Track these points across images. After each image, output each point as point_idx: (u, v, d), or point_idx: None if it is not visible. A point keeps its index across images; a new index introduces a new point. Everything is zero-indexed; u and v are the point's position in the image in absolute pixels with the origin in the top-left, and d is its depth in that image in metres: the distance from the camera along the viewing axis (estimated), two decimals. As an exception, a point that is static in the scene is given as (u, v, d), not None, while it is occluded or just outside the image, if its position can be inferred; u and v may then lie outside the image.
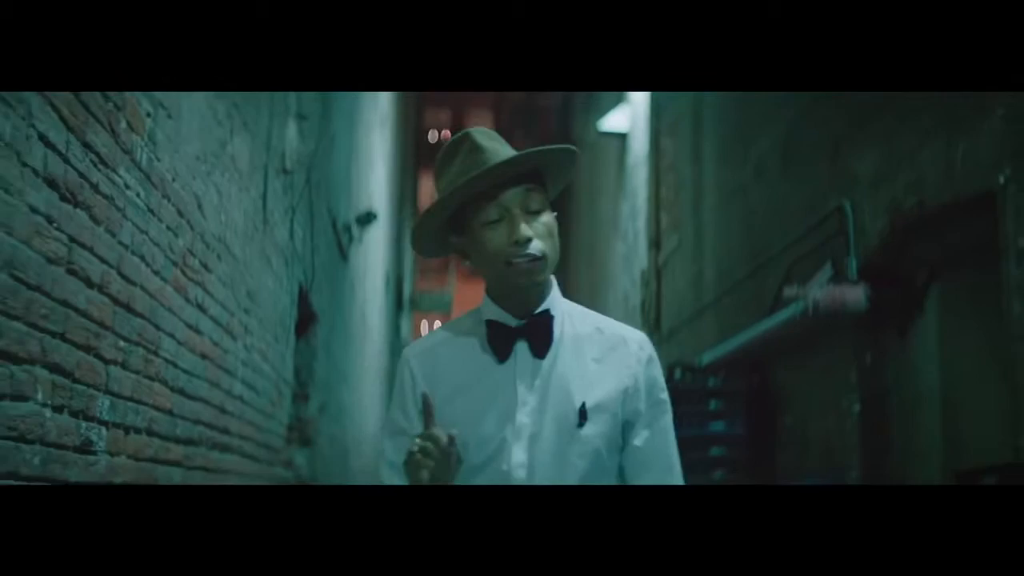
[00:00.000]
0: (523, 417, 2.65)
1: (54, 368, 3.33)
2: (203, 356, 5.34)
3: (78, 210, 3.48)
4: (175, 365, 4.82)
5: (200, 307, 5.25)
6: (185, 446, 5.02)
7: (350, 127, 12.84)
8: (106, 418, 3.85)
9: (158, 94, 4.33)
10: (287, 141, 7.46)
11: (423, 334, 32.81)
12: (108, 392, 3.86)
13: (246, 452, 6.57)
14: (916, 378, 7.45)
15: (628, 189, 19.07)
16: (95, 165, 3.61)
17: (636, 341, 2.84)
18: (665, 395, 2.83)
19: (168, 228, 4.63)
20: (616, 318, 2.87)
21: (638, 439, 2.78)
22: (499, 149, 2.73)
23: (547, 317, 2.76)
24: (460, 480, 2.65)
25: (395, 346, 25.18)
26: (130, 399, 4.14)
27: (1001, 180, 5.88)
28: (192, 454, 5.15)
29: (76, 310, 3.52)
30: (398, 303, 26.39)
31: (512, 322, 2.75)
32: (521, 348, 2.74)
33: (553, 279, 2.81)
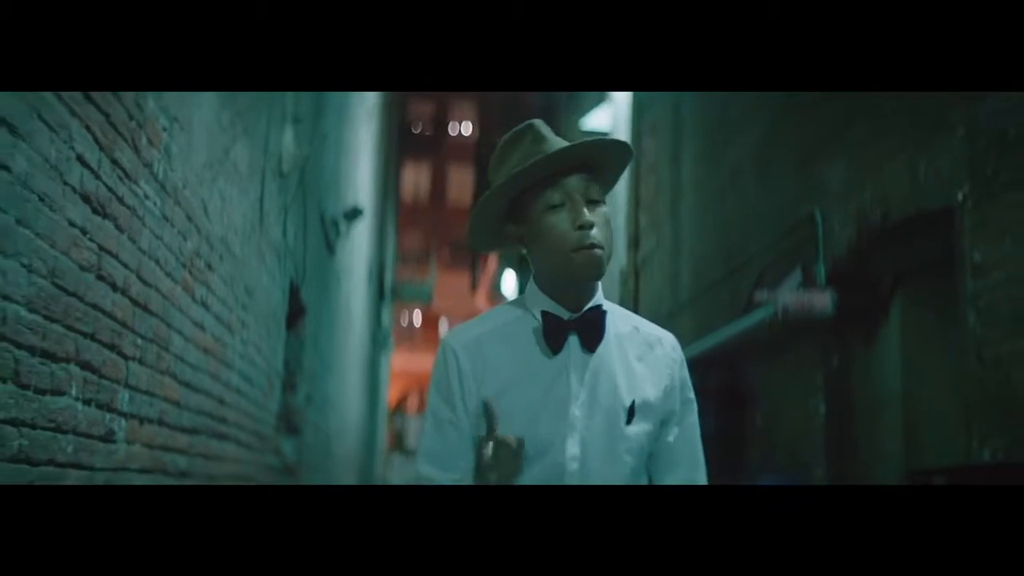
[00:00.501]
0: (576, 410, 2.68)
1: (85, 365, 3.67)
2: (206, 351, 5.67)
3: (106, 221, 3.82)
4: (182, 360, 5.15)
5: (204, 305, 5.58)
6: (190, 435, 5.36)
7: (339, 124, 13.09)
8: (125, 410, 4.19)
9: (172, 108, 4.66)
10: (284, 146, 7.78)
11: (404, 325, 32.85)
12: (127, 386, 4.20)
13: (241, 440, 6.90)
14: (879, 381, 7.75)
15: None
16: (121, 180, 3.94)
17: (670, 342, 2.88)
18: (692, 394, 2.89)
19: (179, 232, 4.96)
20: None
21: (670, 436, 2.84)
22: (560, 141, 2.74)
23: (599, 312, 2.77)
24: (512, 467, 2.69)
25: (376, 336, 25.21)
26: (145, 392, 4.48)
27: (960, 197, 6.18)
28: (195, 442, 5.48)
29: (103, 312, 3.86)
30: (380, 293, 26.44)
31: (565, 315, 2.75)
32: (573, 341, 2.75)
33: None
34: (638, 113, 17.13)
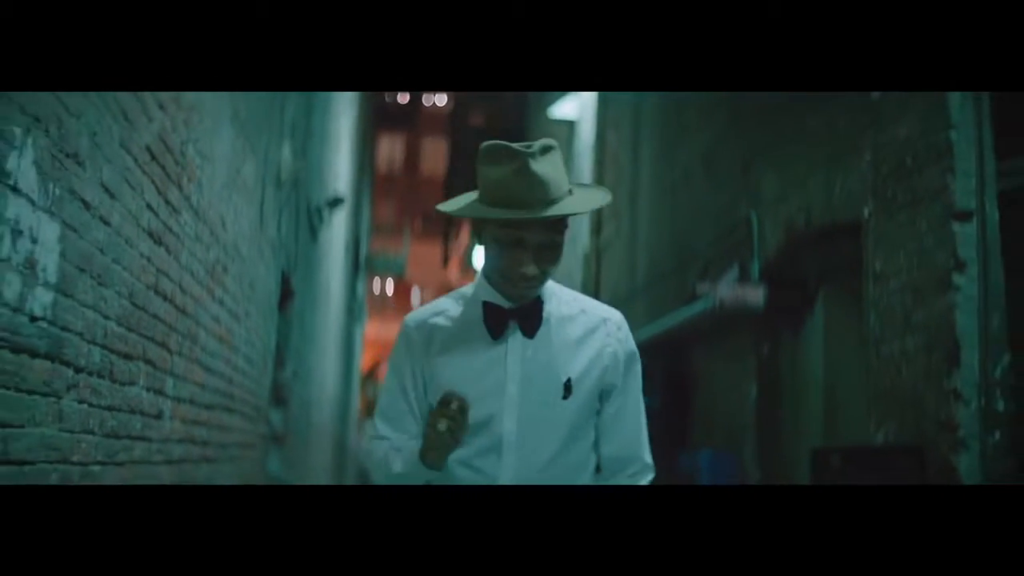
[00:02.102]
0: (512, 388, 2.89)
1: (147, 361, 4.73)
2: (220, 339, 6.69)
3: (160, 247, 4.86)
4: (205, 349, 6.18)
5: (220, 302, 6.60)
6: (209, 411, 6.39)
7: (324, 116, 13.80)
8: (171, 394, 5.24)
9: (203, 145, 5.66)
10: (282, 158, 8.74)
11: (376, 294, 32.27)
12: (172, 375, 5.25)
13: (244, 413, 7.92)
14: (804, 368, 8.59)
15: (575, 173, 19.56)
16: (171, 214, 4.99)
17: (615, 321, 3.06)
18: (638, 368, 3.10)
19: (205, 246, 5.97)
20: None
21: (612, 407, 3.04)
22: (545, 175, 2.81)
23: (538, 302, 2.97)
24: (434, 467, 2.88)
25: (352, 307, 25.56)
26: (183, 378, 5.53)
27: (866, 213, 7.04)
28: (212, 417, 6.52)
29: (158, 319, 4.91)
30: (355, 266, 26.52)
31: (506, 304, 2.95)
32: (513, 327, 2.94)
33: None
34: (603, 105, 17.63)
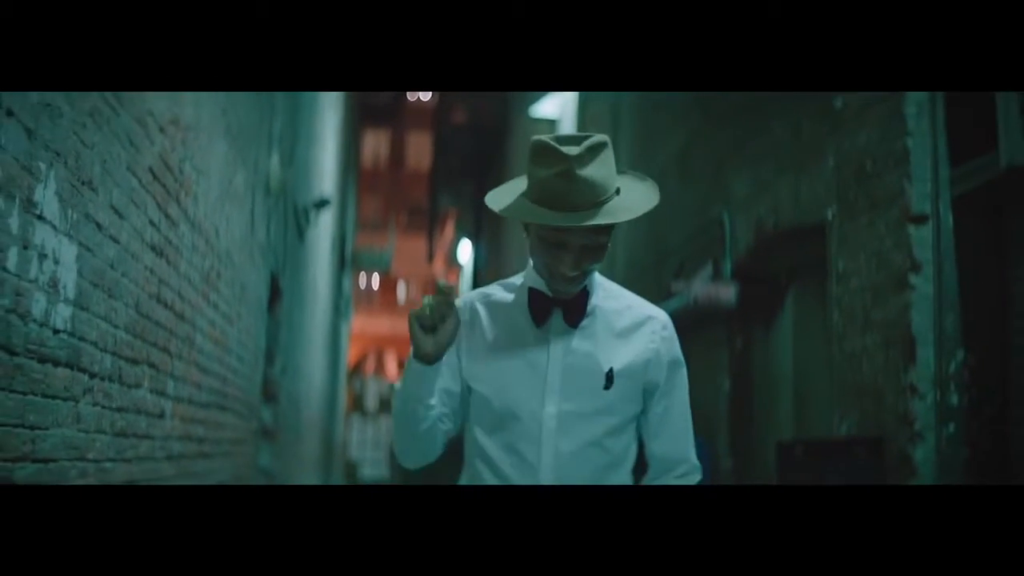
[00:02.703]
0: (554, 376, 2.92)
1: (151, 365, 5.10)
2: (215, 342, 7.05)
3: (162, 259, 5.22)
4: (201, 351, 6.54)
5: (215, 306, 6.96)
6: (205, 409, 6.76)
7: (310, 117, 14.11)
8: (171, 395, 5.61)
9: (198, 159, 6.01)
10: (271, 168, 9.10)
11: (362, 288, 31.95)
12: (172, 376, 5.61)
13: (237, 410, 8.29)
14: (775, 362, 8.89)
15: None
16: (170, 228, 5.35)
17: (660, 320, 3.08)
18: (683, 369, 3.11)
19: (201, 255, 6.34)
20: None
21: (659, 406, 3.04)
22: (594, 178, 2.81)
23: (584, 294, 2.97)
24: (497, 427, 2.96)
25: (338, 304, 25.71)
26: (182, 379, 5.89)
27: (829, 215, 7.37)
28: (208, 415, 6.88)
29: (160, 325, 5.27)
30: (341, 262, 26.57)
31: (551, 293, 2.98)
32: (557, 316, 2.97)
33: None
34: (583, 105, 17.85)
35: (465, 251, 36.04)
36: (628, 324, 3.03)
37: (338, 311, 25.99)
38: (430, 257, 40.30)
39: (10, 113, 3.06)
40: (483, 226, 33.07)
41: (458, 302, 3.01)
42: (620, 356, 2.99)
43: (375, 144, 52.17)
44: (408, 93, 51.05)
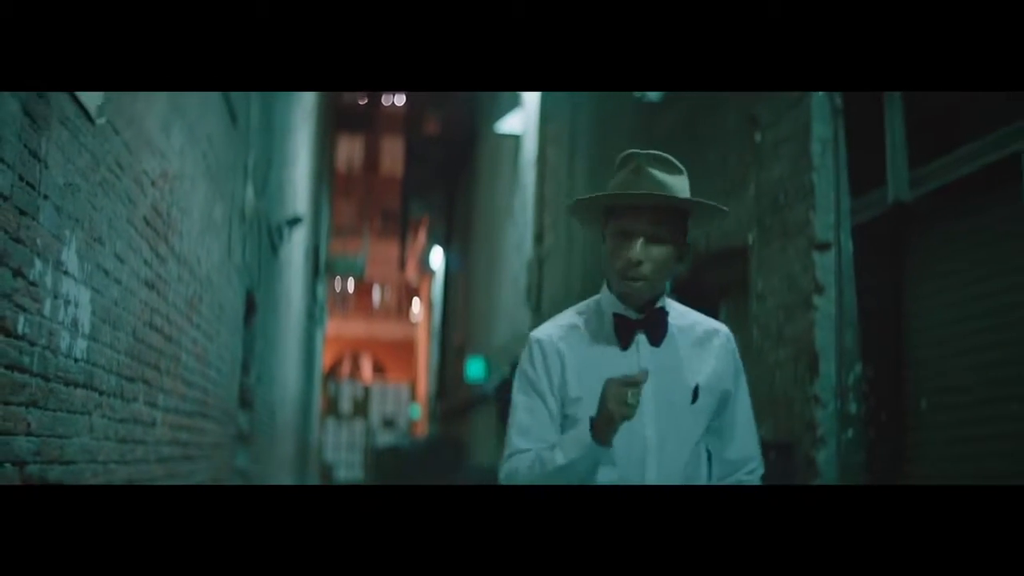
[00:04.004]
0: (648, 396, 2.93)
1: (145, 381, 5.99)
2: (197, 357, 7.93)
3: (153, 292, 6.12)
4: (185, 367, 7.41)
5: (197, 326, 7.83)
6: (189, 417, 7.66)
7: (283, 137, 14.76)
8: (161, 406, 6.52)
9: (183, 202, 6.87)
10: (246, 198, 9.99)
11: (338, 291, 31.61)
12: (162, 390, 6.50)
13: (216, 418, 9.19)
14: None
15: (520, 184, 20.46)
16: (160, 264, 6.24)
17: (725, 333, 3.20)
18: (744, 377, 3.22)
19: (185, 283, 7.22)
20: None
21: (729, 414, 3.18)
22: (661, 178, 3.04)
23: (663, 312, 3.09)
24: (595, 448, 2.92)
25: (312, 311, 25.86)
26: (169, 392, 6.79)
27: (750, 240, 8.10)
28: (192, 423, 7.79)
29: (151, 347, 6.18)
30: (315, 271, 26.37)
31: (633, 315, 3.06)
32: (641, 338, 3.06)
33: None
34: (544, 122, 18.33)
35: (437, 257, 36.66)
36: (700, 339, 3.15)
37: (312, 318, 26.17)
38: (402, 266, 40.37)
39: (46, 197, 3.96)
40: (453, 234, 33.81)
41: (543, 335, 3.16)
42: (702, 371, 3.11)
43: (349, 149, 52.12)
44: (382, 98, 50.82)
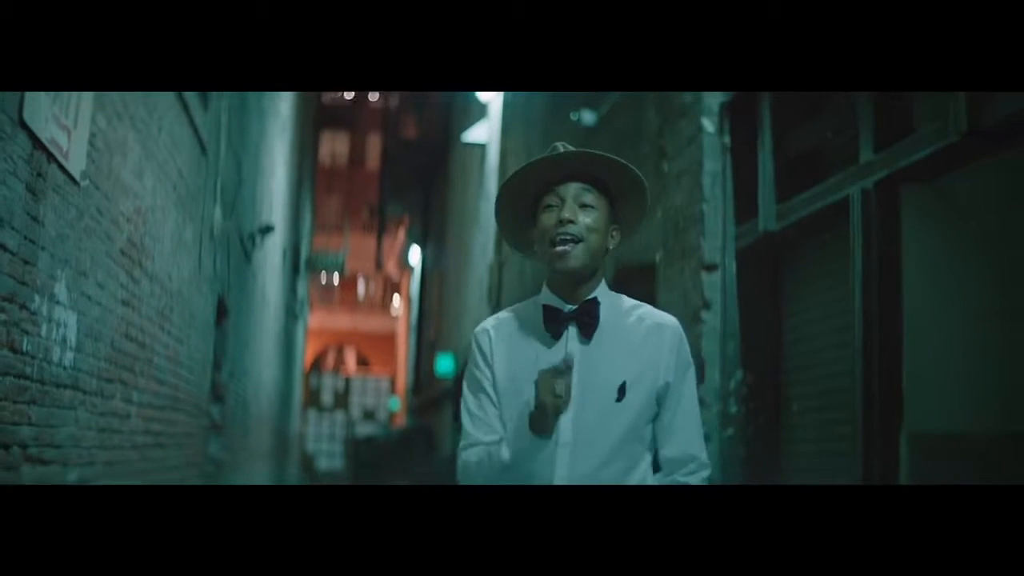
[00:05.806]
0: (572, 388, 2.80)
1: (121, 382, 7.25)
2: (169, 359, 9.16)
3: (129, 308, 7.36)
4: (157, 368, 8.64)
5: (168, 332, 9.05)
6: (161, 411, 8.89)
7: (258, 153, 15.52)
8: (135, 401, 7.77)
9: (156, 230, 8.05)
10: (215, 218, 11.12)
11: (323, 284, 32.18)
12: (136, 388, 7.76)
13: (187, 410, 10.36)
14: None
15: (485, 192, 21.00)
16: (134, 285, 7.49)
17: (671, 327, 3.10)
18: (692, 370, 3.12)
19: (157, 298, 8.44)
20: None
21: (669, 412, 3.06)
22: (575, 148, 2.98)
23: (594, 303, 3.02)
24: (517, 440, 2.89)
25: (291, 307, 26.24)
26: (143, 390, 8.04)
27: (657, 259, 8.97)
28: (164, 415, 9.02)
29: (127, 354, 7.43)
30: (295, 269, 26.69)
31: (564, 307, 3.01)
32: (572, 330, 3.00)
33: (602, 278, 3.07)
34: (504, 134, 19.02)
35: (415, 255, 37.36)
36: (639, 335, 3.07)
37: (292, 314, 26.51)
38: (378, 265, 40.83)
39: (43, 248, 5.22)
40: (429, 234, 34.64)
41: (480, 327, 3.17)
42: (632, 368, 3.01)
43: (332, 144, 51.90)
44: (369, 94, 50.27)
